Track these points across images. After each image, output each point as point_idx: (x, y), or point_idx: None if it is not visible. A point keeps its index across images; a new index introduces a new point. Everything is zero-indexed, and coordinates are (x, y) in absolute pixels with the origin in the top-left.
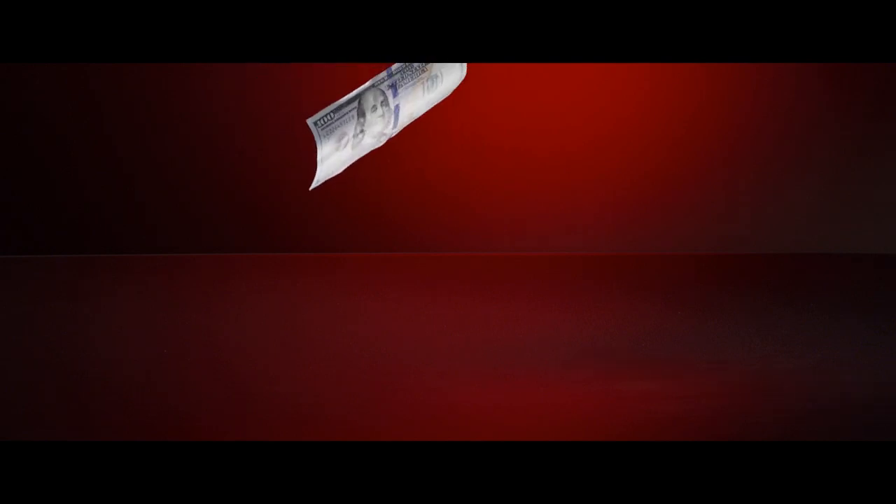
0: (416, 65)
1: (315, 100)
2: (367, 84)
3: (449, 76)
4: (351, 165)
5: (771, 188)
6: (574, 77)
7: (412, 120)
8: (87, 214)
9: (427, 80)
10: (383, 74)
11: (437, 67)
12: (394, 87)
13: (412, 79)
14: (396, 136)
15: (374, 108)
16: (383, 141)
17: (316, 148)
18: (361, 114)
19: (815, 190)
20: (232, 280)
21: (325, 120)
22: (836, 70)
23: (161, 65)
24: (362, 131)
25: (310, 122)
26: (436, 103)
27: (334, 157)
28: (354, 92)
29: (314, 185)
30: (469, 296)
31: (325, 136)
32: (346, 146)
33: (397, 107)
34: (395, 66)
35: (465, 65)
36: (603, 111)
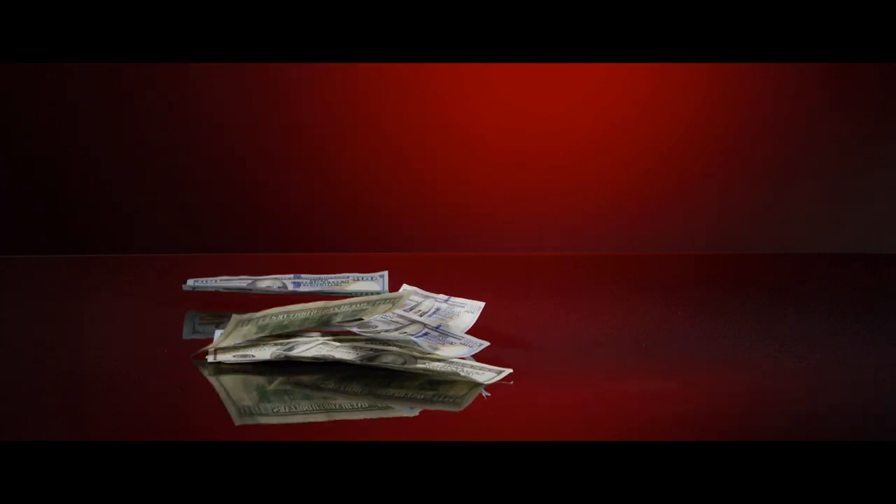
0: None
1: (315, 99)
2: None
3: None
4: (352, 167)
5: (771, 188)
6: (574, 77)
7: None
8: (87, 214)
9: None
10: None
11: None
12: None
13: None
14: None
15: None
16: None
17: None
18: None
19: (815, 190)
20: None
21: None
22: (836, 70)
23: (161, 65)
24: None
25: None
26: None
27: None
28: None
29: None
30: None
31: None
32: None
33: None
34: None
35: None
36: (603, 111)
